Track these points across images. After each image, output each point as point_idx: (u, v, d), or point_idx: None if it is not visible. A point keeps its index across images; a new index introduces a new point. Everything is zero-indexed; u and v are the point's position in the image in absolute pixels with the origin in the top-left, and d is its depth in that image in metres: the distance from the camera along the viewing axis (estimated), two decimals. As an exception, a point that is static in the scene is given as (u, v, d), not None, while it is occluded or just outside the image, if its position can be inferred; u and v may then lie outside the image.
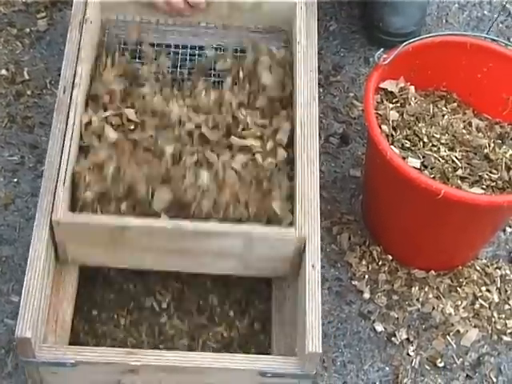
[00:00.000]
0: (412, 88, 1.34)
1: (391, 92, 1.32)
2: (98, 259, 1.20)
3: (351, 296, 1.37)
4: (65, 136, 1.17)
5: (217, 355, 1.12)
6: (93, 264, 1.21)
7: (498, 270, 1.39)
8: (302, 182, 1.17)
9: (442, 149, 1.27)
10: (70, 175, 1.15)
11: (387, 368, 1.31)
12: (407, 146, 1.28)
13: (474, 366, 1.32)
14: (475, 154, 1.28)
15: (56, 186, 1.13)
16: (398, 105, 1.32)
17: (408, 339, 1.33)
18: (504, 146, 1.30)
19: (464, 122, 1.33)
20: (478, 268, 1.39)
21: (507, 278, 1.39)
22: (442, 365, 1.31)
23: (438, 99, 1.36)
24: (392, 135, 1.29)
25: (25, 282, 1.08)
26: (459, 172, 1.25)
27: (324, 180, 1.46)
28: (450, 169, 1.25)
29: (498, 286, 1.38)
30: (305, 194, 1.16)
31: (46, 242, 1.11)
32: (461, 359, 1.32)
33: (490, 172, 1.26)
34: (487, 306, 1.36)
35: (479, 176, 1.25)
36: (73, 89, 1.21)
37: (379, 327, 1.34)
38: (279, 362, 1.10)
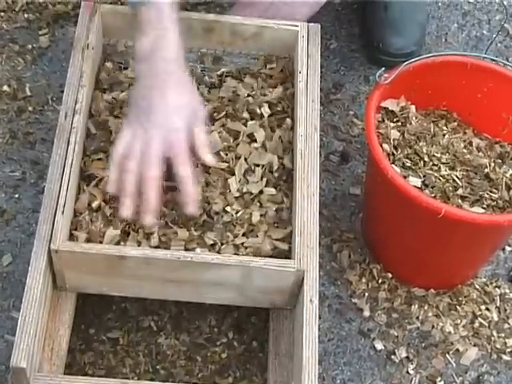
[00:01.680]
0: (413, 107, 1.35)
1: (392, 111, 1.33)
2: (95, 287, 1.20)
3: (351, 314, 1.37)
4: (65, 163, 1.18)
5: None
6: (90, 291, 1.22)
7: (497, 289, 1.40)
8: (301, 215, 1.18)
9: (443, 168, 1.28)
10: (69, 203, 1.15)
11: (387, 386, 1.31)
12: (408, 165, 1.28)
13: (474, 384, 1.32)
14: (476, 173, 1.29)
15: (55, 214, 1.14)
16: (399, 124, 1.33)
17: (408, 357, 1.33)
18: (504, 166, 1.31)
19: (464, 141, 1.33)
20: (477, 287, 1.40)
21: (506, 296, 1.39)
22: (441, 383, 1.31)
23: (439, 119, 1.37)
24: (393, 154, 1.29)
25: (21, 311, 1.09)
26: (460, 191, 1.26)
27: (324, 198, 1.47)
28: (450, 188, 1.26)
29: (498, 304, 1.38)
30: (304, 227, 1.17)
31: (43, 270, 1.11)
32: (460, 378, 1.32)
33: (491, 191, 1.27)
34: (487, 324, 1.36)
35: (480, 195, 1.26)
36: (74, 115, 1.22)
37: (379, 345, 1.34)
38: (275, 395, 1.11)
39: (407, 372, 1.32)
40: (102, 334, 1.29)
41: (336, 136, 1.55)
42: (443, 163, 1.29)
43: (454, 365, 1.33)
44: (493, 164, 1.30)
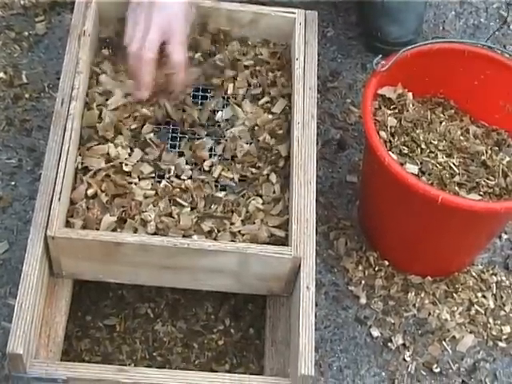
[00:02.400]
0: (410, 95, 1.35)
1: (389, 98, 1.33)
2: (92, 274, 1.20)
3: (348, 301, 1.37)
4: (61, 150, 1.18)
5: (208, 374, 1.12)
6: (87, 278, 1.21)
7: (493, 277, 1.40)
8: (299, 202, 1.18)
9: (440, 155, 1.28)
10: (65, 190, 1.15)
11: (383, 373, 1.31)
12: (405, 152, 1.28)
13: (470, 371, 1.32)
14: (472, 160, 1.29)
15: (51, 201, 1.14)
16: (396, 111, 1.33)
17: (404, 345, 1.34)
18: (501, 153, 1.31)
19: (461, 128, 1.33)
20: (473, 274, 1.40)
21: (503, 284, 1.40)
22: (437, 370, 1.32)
23: (436, 106, 1.37)
24: (390, 141, 1.29)
25: (17, 297, 1.09)
26: (457, 178, 1.26)
27: (321, 185, 1.47)
28: (447, 175, 1.26)
29: (494, 292, 1.39)
30: (301, 214, 1.17)
31: (40, 256, 1.11)
32: (456, 365, 1.33)
33: (487, 178, 1.27)
34: (483, 312, 1.37)
35: (476, 182, 1.26)
36: (70, 102, 1.21)
37: (375, 332, 1.34)
38: (271, 383, 1.11)
39: (403, 359, 1.33)
40: (98, 321, 1.29)
41: (333, 124, 1.55)
42: (440, 150, 1.29)
43: (451, 352, 1.34)
44: (490, 151, 1.30)
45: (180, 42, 1.20)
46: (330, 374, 1.31)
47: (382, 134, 1.29)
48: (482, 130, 1.34)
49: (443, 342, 1.34)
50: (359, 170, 1.48)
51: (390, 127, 1.30)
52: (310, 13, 1.36)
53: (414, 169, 1.26)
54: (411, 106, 1.33)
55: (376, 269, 1.39)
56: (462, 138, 1.31)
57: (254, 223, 1.19)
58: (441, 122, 1.33)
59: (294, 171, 1.20)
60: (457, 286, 1.38)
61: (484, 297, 1.38)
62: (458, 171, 1.27)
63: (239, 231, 1.18)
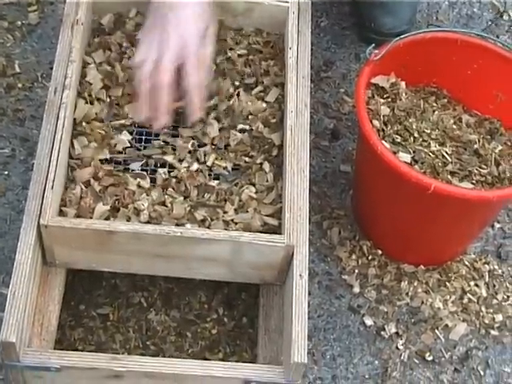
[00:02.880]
0: (403, 84, 1.35)
1: (382, 87, 1.33)
2: (85, 263, 1.20)
3: (341, 290, 1.38)
4: (54, 138, 1.17)
5: (201, 362, 1.12)
6: (80, 267, 1.21)
7: (486, 265, 1.41)
8: (291, 190, 1.18)
9: (433, 144, 1.28)
10: (58, 179, 1.15)
11: (376, 361, 1.32)
12: (398, 140, 1.29)
13: (462, 359, 1.33)
14: (465, 149, 1.29)
15: (44, 190, 1.13)
16: (389, 100, 1.33)
17: (397, 333, 1.34)
18: (493, 142, 1.31)
19: (454, 117, 1.34)
20: (466, 263, 1.40)
21: (495, 272, 1.40)
22: (430, 358, 1.32)
23: (429, 95, 1.37)
24: (383, 130, 1.29)
25: (10, 286, 1.08)
26: (449, 167, 1.26)
27: (314, 175, 1.47)
28: (440, 164, 1.26)
29: (487, 280, 1.39)
30: (294, 202, 1.17)
31: (33, 245, 1.11)
32: (449, 353, 1.33)
33: (480, 167, 1.27)
34: (475, 300, 1.37)
35: (469, 171, 1.26)
36: (63, 91, 1.21)
37: (369, 321, 1.35)
38: (264, 371, 1.10)
39: (396, 347, 1.33)
40: (92, 310, 1.30)
41: (326, 113, 1.55)
42: (433, 139, 1.29)
43: (443, 340, 1.34)
44: (482, 140, 1.31)
45: (195, 64, 1.17)
46: (323, 362, 1.31)
47: (375, 122, 1.29)
48: (475, 119, 1.35)
49: (436, 331, 1.35)
50: (353, 160, 1.49)
51: (383, 116, 1.30)
52: (303, 2, 1.36)
53: (407, 157, 1.26)
54: (404, 95, 1.33)
55: (369, 258, 1.40)
56: (454, 126, 1.32)
57: (247, 212, 1.19)
58: (434, 111, 1.33)
59: (287, 160, 1.20)
60: (450, 274, 1.39)
61: (477, 285, 1.38)
62: (450, 160, 1.27)
63: (232, 220, 1.18)
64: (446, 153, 1.28)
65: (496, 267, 1.41)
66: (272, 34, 1.36)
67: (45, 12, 1.60)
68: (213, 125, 1.25)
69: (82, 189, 1.18)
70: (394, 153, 1.25)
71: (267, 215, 1.20)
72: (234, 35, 1.35)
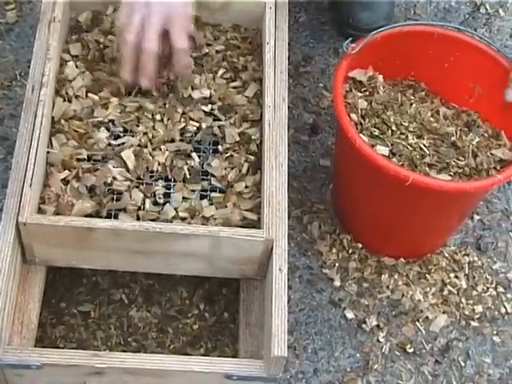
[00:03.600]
0: (380, 77, 1.35)
1: (360, 81, 1.34)
2: (65, 260, 1.20)
3: (322, 284, 1.38)
4: (32, 136, 1.17)
5: (182, 358, 1.12)
6: (60, 265, 1.21)
7: (466, 257, 1.41)
8: (270, 185, 1.18)
9: (410, 136, 1.29)
10: (36, 176, 1.15)
11: (358, 354, 1.32)
12: (376, 134, 1.29)
13: (443, 351, 1.33)
14: (443, 141, 1.30)
15: (23, 188, 1.13)
16: (367, 93, 1.33)
17: (378, 326, 1.35)
18: (471, 134, 1.32)
19: (432, 110, 1.34)
20: (446, 255, 1.41)
21: (475, 264, 1.41)
22: (411, 350, 1.33)
23: (406, 88, 1.38)
24: (361, 123, 1.30)
25: None
26: (427, 159, 1.27)
27: (294, 170, 1.47)
28: (417, 156, 1.27)
29: (466, 272, 1.40)
30: (273, 197, 1.17)
31: (11, 243, 1.11)
32: (430, 345, 1.34)
33: (457, 159, 1.28)
34: (455, 292, 1.38)
35: (446, 163, 1.27)
36: (41, 88, 1.21)
37: (350, 314, 1.35)
38: (245, 365, 1.11)
39: (378, 340, 1.34)
40: (73, 308, 1.29)
41: (306, 108, 1.56)
42: (410, 132, 1.30)
43: (424, 332, 1.35)
44: (459, 132, 1.31)
45: (182, 28, 1.18)
46: (304, 356, 1.32)
47: (353, 116, 1.29)
48: (452, 112, 1.35)
49: (416, 323, 1.35)
50: (332, 154, 1.49)
51: (361, 109, 1.31)
52: (280, -3, 1.36)
53: (385, 150, 1.26)
54: (382, 88, 1.34)
55: (350, 251, 1.40)
56: (432, 119, 1.32)
57: (226, 207, 1.20)
58: (411, 104, 1.34)
59: (266, 154, 1.20)
60: (429, 267, 1.39)
61: (456, 277, 1.39)
62: (428, 152, 1.28)
63: (212, 215, 1.19)
64: (424, 145, 1.28)
65: (476, 259, 1.42)
66: (250, 30, 1.37)
67: (23, 10, 1.60)
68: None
69: (60, 186, 1.18)
70: (372, 146, 1.26)
71: (246, 210, 1.20)
72: (211, 31, 1.36)
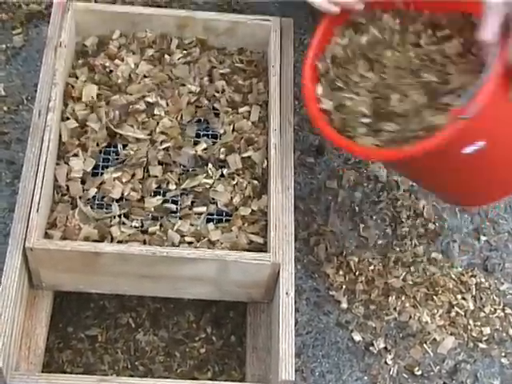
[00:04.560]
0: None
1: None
2: (72, 285, 1.20)
3: (329, 306, 1.38)
4: (39, 161, 1.18)
5: (189, 382, 1.13)
6: (67, 289, 1.22)
7: (473, 278, 1.41)
8: (277, 208, 1.18)
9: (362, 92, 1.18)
10: (43, 201, 1.15)
11: (365, 377, 1.32)
12: (338, 85, 1.20)
13: (451, 373, 1.33)
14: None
15: (30, 212, 1.14)
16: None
17: (386, 348, 1.34)
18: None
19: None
20: (453, 276, 1.41)
21: (482, 285, 1.41)
22: (419, 373, 1.32)
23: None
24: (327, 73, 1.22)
25: None
26: (364, 120, 1.16)
27: (300, 192, 1.47)
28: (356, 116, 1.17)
29: (474, 293, 1.40)
30: (279, 220, 1.17)
31: (19, 268, 1.12)
32: (438, 367, 1.33)
33: (396, 124, 1.14)
34: (463, 313, 1.38)
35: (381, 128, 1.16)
36: (47, 113, 1.22)
37: (357, 337, 1.35)
38: (253, 390, 1.11)
39: (385, 362, 1.33)
40: (80, 332, 1.29)
41: (311, 130, 1.56)
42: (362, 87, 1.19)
43: (432, 354, 1.34)
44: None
45: None
46: (312, 379, 1.31)
47: (319, 65, 1.22)
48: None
49: (424, 345, 1.35)
50: (338, 176, 1.49)
51: (333, 57, 1.22)
52: (285, 20, 1.37)
53: (329, 104, 1.18)
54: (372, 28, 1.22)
55: (356, 273, 1.40)
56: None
57: (232, 231, 1.20)
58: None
59: (272, 178, 1.21)
60: (437, 288, 1.39)
61: (464, 299, 1.39)
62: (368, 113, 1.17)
63: (218, 239, 1.19)
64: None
65: (483, 280, 1.41)
66: (255, 53, 1.37)
67: (29, 35, 1.60)
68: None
69: (67, 211, 1.19)
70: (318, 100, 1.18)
71: (253, 233, 1.20)
72: (217, 54, 1.36)
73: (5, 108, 1.52)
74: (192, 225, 1.19)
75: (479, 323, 1.37)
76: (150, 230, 1.18)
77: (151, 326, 1.31)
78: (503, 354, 1.35)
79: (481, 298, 1.39)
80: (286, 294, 1.14)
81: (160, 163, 1.24)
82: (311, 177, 1.51)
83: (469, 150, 1.13)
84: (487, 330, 1.36)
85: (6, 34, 1.60)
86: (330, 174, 1.51)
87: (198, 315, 1.32)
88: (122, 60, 1.33)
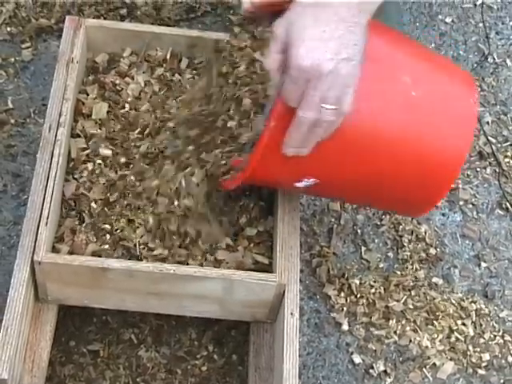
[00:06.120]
0: None
1: None
2: (77, 299, 1.21)
3: (329, 328, 1.39)
4: (48, 175, 1.19)
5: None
6: (72, 303, 1.22)
7: (473, 304, 1.42)
8: (283, 229, 1.19)
9: None
10: (52, 215, 1.16)
11: (365, 400, 1.33)
12: None
13: (450, 398, 1.34)
14: None
15: (38, 226, 1.14)
16: None
17: (385, 371, 1.35)
18: None
19: None
20: (453, 302, 1.42)
21: (482, 312, 1.42)
22: (418, 397, 1.33)
23: None
24: None
25: (3, 322, 1.09)
26: None
27: (303, 213, 1.48)
28: None
29: (474, 319, 1.41)
30: (285, 241, 1.19)
31: (26, 281, 1.12)
32: (437, 392, 1.35)
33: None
34: (463, 339, 1.39)
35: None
36: (58, 128, 1.22)
37: (357, 359, 1.36)
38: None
39: (385, 386, 1.34)
40: (82, 347, 1.30)
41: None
42: None
43: (431, 379, 1.35)
44: None
45: None
46: (312, 400, 1.32)
47: None
48: None
49: (424, 369, 1.36)
50: (341, 198, 1.50)
51: None
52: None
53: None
54: None
55: (358, 296, 1.41)
56: None
57: (238, 250, 1.21)
58: None
59: (279, 199, 1.22)
60: (437, 313, 1.40)
61: (464, 324, 1.40)
62: None
63: (224, 259, 1.20)
64: None
65: (483, 306, 1.42)
66: None
67: (38, 49, 1.61)
68: None
69: (75, 225, 1.19)
70: None
71: (258, 253, 1.21)
72: None
73: (12, 121, 1.52)
74: None
75: (479, 349, 1.38)
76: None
77: (153, 342, 1.31)
78: (502, 381, 1.36)
79: (480, 325, 1.40)
80: (291, 314, 1.14)
81: None
82: (315, 198, 1.52)
83: (301, 184, 1.11)
84: (486, 357, 1.37)
85: (14, 48, 1.61)
86: (333, 197, 1.52)
87: (200, 333, 1.33)
88: (133, 78, 1.34)
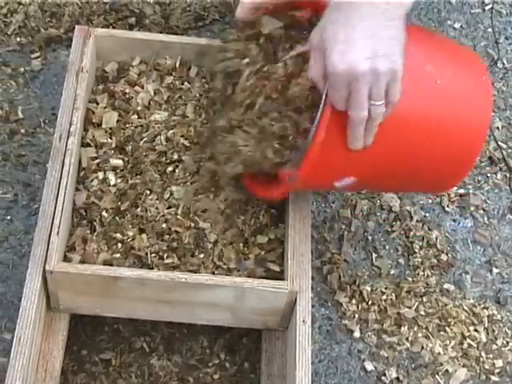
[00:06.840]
0: None
1: None
2: (89, 308, 1.21)
3: (341, 335, 1.38)
4: (59, 184, 1.19)
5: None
6: (84, 312, 1.23)
7: (485, 310, 1.42)
8: (294, 237, 1.19)
9: None
10: (63, 224, 1.16)
11: (377, 407, 1.33)
12: None
13: (463, 405, 1.34)
14: None
15: (50, 235, 1.15)
16: None
17: (398, 378, 1.35)
18: None
19: None
20: (465, 308, 1.42)
21: (494, 318, 1.41)
22: (431, 404, 1.33)
23: None
24: None
25: (16, 332, 1.10)
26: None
27: (314, 220, 1.48)
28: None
29: (486, 325, 1.40)
30: (296, 249, 1.19)
31: (38, 290, 1.12)
32: (450, 399, 1.34)
33: None
34: (475, 345, 1.38)
35: None
36: (68, 137, 1.23)
37: (369, 366, 1.35)
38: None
39: (397, 393, 1.34)
40: (94, 355, 1.30)
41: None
42: None
43: (444, 385, 1.35)
44: None
45: None
46: (324, 407, 1.32)
47: None
48: None
49: (436, 376, 1.35)
50: (352, 205, 1.50)
51: None
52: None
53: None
54: None
55: (369, 303, 1.41)
56: None
57: (249, 258, 1.21)
58: None
59: (290, 206, 1.22)
60: (449, 319, 1.40)
61: (476, 330, 1.39)
62: None
63: (235, 267, 1.20)
64: None
65: (495, 312, 1.42)
66: None
67: (47, 59, 1.62)
68: None
69: (86, 234, 1.20)
70: None
71: (270, 261, 1.21)
72: None
73: (22, 130, 1.53)
74: None
75: (491, 356, 1.37)
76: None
77: (165, 350, 1.31)
78: (515, 387, 1.36)
79: (493, 331, 1.40)
80: (303, 321, 1.14)
81: None
82: (325, 205, 1.52)
83: (340, 184, 1.14)
84: (499, 363, 1.37)
85: (24, 58, 1.62)
86: (344, 203, 1.52)
87: (212, 341, 1.33)
88: (142, 87, 1.34)
